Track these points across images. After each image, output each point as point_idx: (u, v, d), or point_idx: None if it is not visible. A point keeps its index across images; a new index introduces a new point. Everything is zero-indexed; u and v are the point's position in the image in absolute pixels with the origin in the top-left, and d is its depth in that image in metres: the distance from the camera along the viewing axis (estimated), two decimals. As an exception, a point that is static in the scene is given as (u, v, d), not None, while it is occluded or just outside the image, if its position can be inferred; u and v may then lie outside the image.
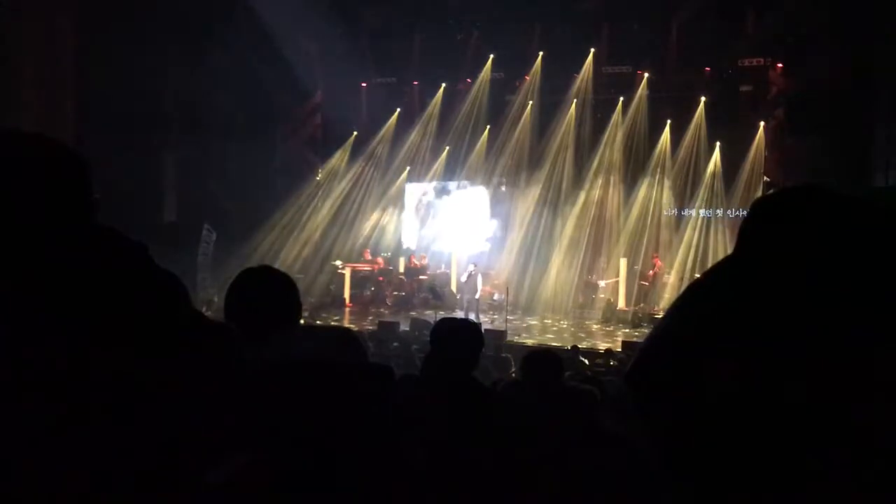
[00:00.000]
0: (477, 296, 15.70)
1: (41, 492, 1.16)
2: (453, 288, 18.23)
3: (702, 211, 17.27)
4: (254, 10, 16.49)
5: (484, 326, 12.98)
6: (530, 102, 18.45)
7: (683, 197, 17.61)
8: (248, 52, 17.64)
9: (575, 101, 17.96)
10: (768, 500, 1.03)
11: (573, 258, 17.64)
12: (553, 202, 18.32)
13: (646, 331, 13.90)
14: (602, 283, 17.34)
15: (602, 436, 3.00)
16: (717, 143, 17.17)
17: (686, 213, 17.43)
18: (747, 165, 16.81)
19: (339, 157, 20.06)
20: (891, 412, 0.98)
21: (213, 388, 1.33)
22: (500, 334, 13.03)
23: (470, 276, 15.76)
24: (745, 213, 1.17)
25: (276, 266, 2.35)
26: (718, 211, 17.12)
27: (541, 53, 18.00)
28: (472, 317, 14.26)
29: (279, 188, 19.63)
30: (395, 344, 11.11)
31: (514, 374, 8.05)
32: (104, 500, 1.19)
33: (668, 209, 17.60)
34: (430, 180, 19.89)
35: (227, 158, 18.41)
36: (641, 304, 16.47)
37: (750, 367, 1.05)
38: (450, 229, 19.49)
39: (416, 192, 20.18)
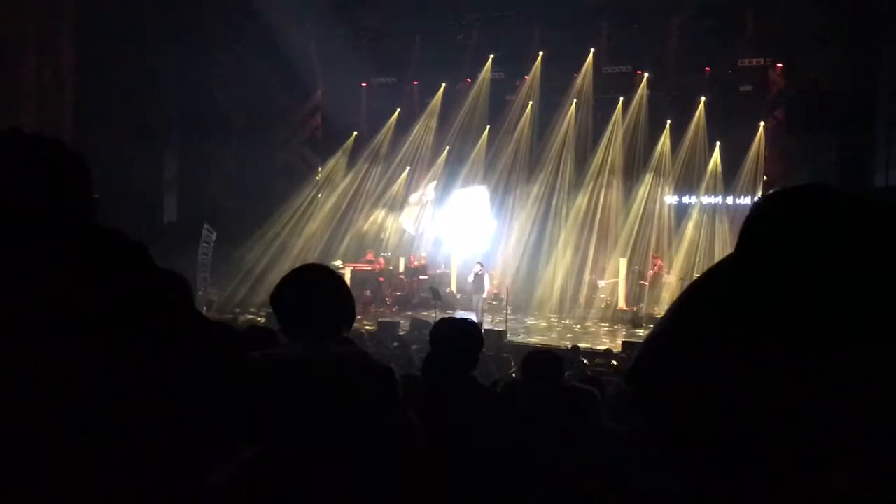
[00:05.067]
0: (483, 295, 15.75)
1: (48, 492, 1.16)
2: (453, 288, 18.23)
3: (702, 210, 17.29)
4: (254, 10, 16.49)
5: (484, 326, 12.98)
6: (530, 102, 18.45)
7: (683, 196, 17.62)
8: (248, 52, 17.66)
9: (575, 101, 17.95)
10: (768, 498, 1.03)
11: (573, 258, 17.64)
12: (553, 202, 18.32)
13: (646, 331, 13.90)
14: (601, 283, 17.34)
15: (602, 436, 3.00)
16: (717, 143, 17.18)
17: (686, 212, 17.44)
18: (747, 165, 16.82)
19: (339, 157, 20.06)
20: (892, 411, 0.98)
21: (215, 387, 1.33)
22: (500, 334, 13.02)
23: (477, 276, 15.81)
24: (745, 213, 1.17)
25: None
26: (718, 210, 17.13)
27: (541, 53, 17.99)
28: (473, 316, 14.26)
29: (279, 188, 19.63)
30: (395, 344, 11.10)
31: (514, 374, 8.05)
32: (110, 499, 1.19)
33: (667, 208, 17.62)
34: (430, 181, 19.89)
35: (227, 158, 18.44)
36: (641, 304, 16.48)
37: (750, 366, 1.05)
38: (450, 229, 19.50)
39: (415, 198, 20.21)
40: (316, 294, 1.93)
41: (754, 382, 1.04)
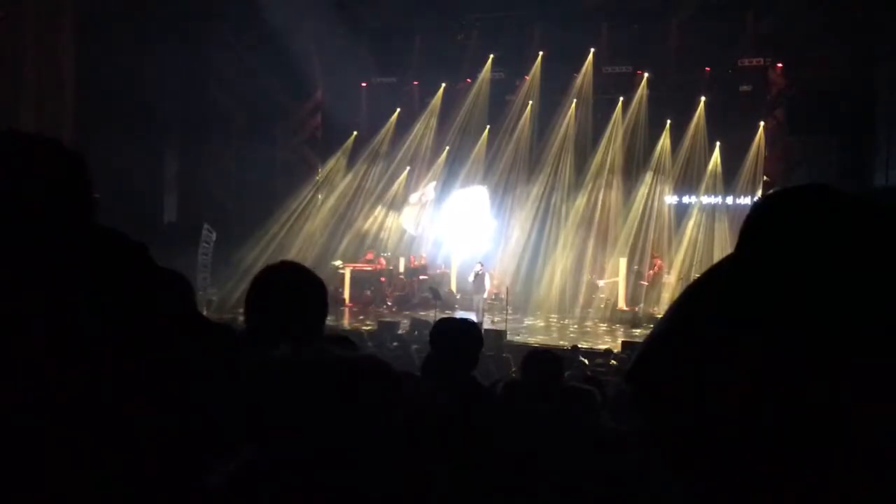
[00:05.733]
0: (484, 295, 15.77)
1: (48, 492, 1.16)
2: (453, 288, 18.22)
3: (701, 210, 17.29)
4: (254, 9, 16.49)
5: (484, 326, 12.98)
6: (530, 102, 18.45)
7: (683, 196, 17.63)
8: (248, 52, 17.65)
9: (575, 101, 17.96)
10: (768, 499, 1.03)
11: (573, 258, 17.65)
12: (553, 202, 18.33)
13: (646, 331, 13.90)
14: (601, 283, 17.34)
15: (602, 436, 3.00)
16: (717, 143, 17.18)
17: (686, 212, 17.44)
18: (747, 165, 16.82)
19: (338, 157, 20.06)
20: (893, 411, 0.98)
21: (215, 387, 1.33)
22: (500, 334, 13.02)
23: (477, 275, 15.82)
24: (745, 213, 1.17)
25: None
26: (718, 210, 17.13)
27: (541, 53, 18.00)
28: (474, 316, 14.26)
29: (279, 188, 19.63)
30: (395, 344, 11.09)
31: (514, 374, 8.05)
32: (110, 499, 1.19)
33: (667, 208, 17.62)
34: (430, 181, 19.89)
35: (227, 158, 18.44)
36: (641, 304, 16.47)
37: (750, 366, 1.05)
38: (450, 229, 19.50)
39: (415, 198, 20.22)
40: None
41: (754, 382, 1.04)
